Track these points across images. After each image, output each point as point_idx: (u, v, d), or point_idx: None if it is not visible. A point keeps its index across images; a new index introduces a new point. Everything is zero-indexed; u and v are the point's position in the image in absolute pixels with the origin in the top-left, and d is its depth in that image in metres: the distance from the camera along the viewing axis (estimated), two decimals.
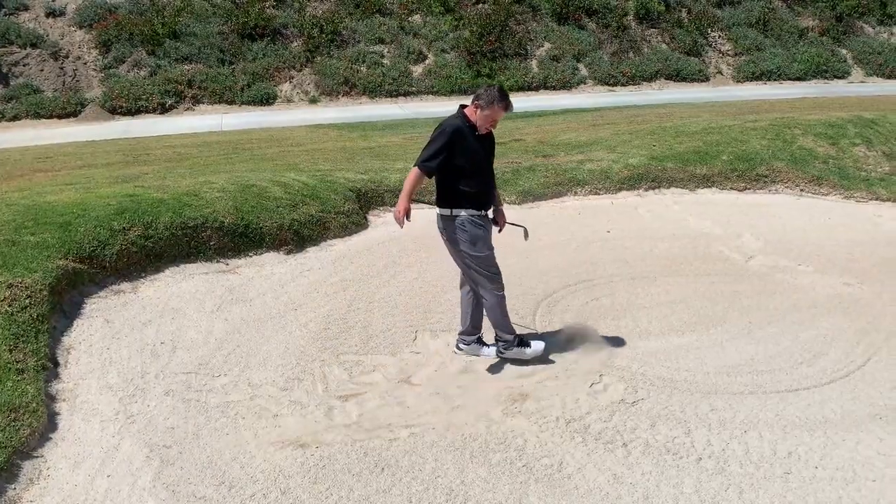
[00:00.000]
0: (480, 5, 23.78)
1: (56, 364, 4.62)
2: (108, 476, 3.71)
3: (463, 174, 4.48)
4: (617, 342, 5.20)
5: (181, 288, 5.82)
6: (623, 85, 22.89)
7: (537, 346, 4.83)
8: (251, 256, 6.48)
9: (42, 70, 19.56)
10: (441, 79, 21.57)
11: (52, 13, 20.73)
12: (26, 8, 20.65)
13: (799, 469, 3.85)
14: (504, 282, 4.73)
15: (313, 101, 20.67)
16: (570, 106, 18.82)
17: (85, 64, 20.21)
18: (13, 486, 3.59)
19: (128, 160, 11.17)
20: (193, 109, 19.71)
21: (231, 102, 20.04)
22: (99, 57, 20.31)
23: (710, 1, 26.06)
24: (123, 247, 5.82)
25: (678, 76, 23.56)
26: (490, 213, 4.76)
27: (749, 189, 8.90)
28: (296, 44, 21.84)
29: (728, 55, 24.89)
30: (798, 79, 24.02)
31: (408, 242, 6.85)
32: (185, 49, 20.58)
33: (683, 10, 25.53)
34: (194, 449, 3.95)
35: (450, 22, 23.14)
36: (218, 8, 21.85)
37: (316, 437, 4.07)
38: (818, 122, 10.28)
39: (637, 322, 5.53)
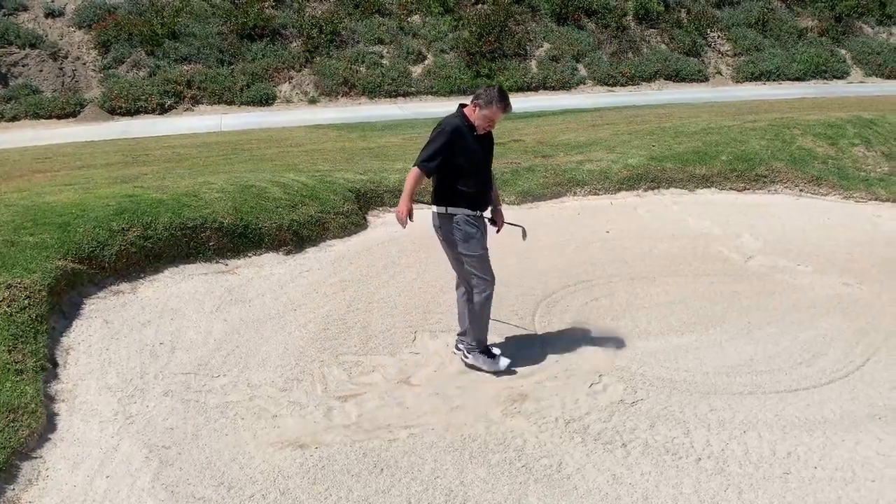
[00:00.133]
0: (480, 6, 23.79)
1: (55, 365, 4.62)
2: (107, 477, 3.71)
3: (461, 174, 4.47)
4: (616, 342, 5.20)
5: (180, 288, 5.81)
6: (622, 85, 22.91)
7: (503, 362, 4.75)
8: (250, 257, 6.47)
9: (41, 70, 19.55)
10: (440, 79, 21.58)
11: (51, 13, 20.73)
12: (25, 8, 20.65)
13: (798, 469, 3.85)
14: (494, 288, 4.68)
15: (312, 101, 20.68)
16: (569, 106, 18.83)
17: (84, 64, 20.21)
18: (12, 486, 3.59)
19: (127, 161, 11.17)
20: (193, 110, 19.71)
21: (230, 103, 20.04)
22: (98, 57, 20.32)
23: (709, 1, 26.09)
24: (122, 247, 5.82)
25: (677, 76, 23.58)
26: (488, 214, 4.76)
27: (748, 189, 8.90)
28: (295, 44, 21.84)
29: (727, 55, 24.91)
30: (797, 79, 24.05)
31: (407, 243, 6.85)
32: (185, 49, 20.59)
33: (683, 10, 25.55)
34: (193, 449, 3.94)
35: (449, 22, 23.14)
36: (217, 8, 21.85)
37: (315, 437, 4.07)
38: (817, 123, 10.28)
39: (636, 322, 5.53)
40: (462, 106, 4.58)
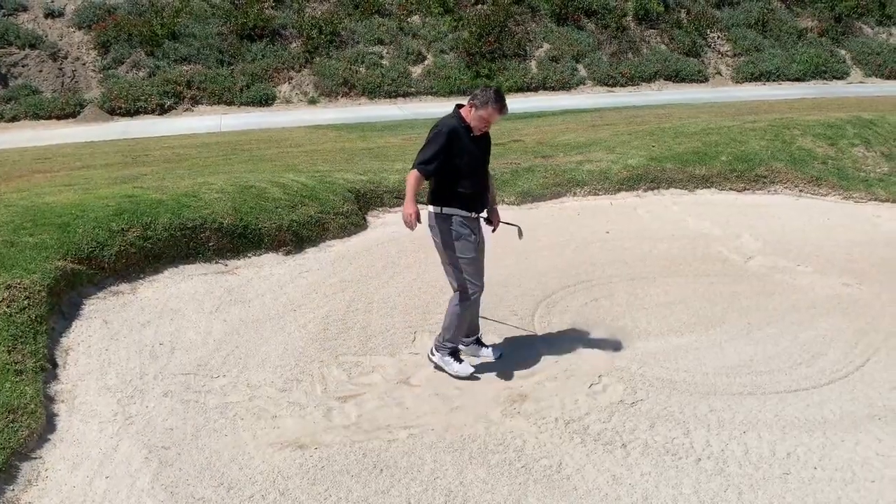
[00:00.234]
0: (479, 6, 23.79)
1: (54, 365, 4.62)
2: (107, 477, 3.71)
3: (458, 175, 4.45)
4: (616, 343, 5.20)
5: (180, 289, 5.81)
6: (622, 86, 22.90)
7: (465, 368, 4.69)
8: (250, 257, 6.47)
9: (41, 71, 19.55)
10: (440, 79, 21.57)
11: (50, 14, 20.73)
12: (25, 9, 20.65)
13: (798, 470, 3.85)
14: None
15: (312, 101, 20.68)
16: (569, 107, 18.83)
17: (84, 65, 20.20)
18: (11, 487, 3.59)
19: (127, 161, 11.17)
20: (192, 110, 19.71)
21: (230, 103, 20.04)
22: (98, 58, 20.31)
23: (709, 2, 26.09)
24: (122, 248, 5.82)
25: (677, 77, 23.58)
26: (483, 215, 4.74)
27: (748, 189, 8.90)
28: (295, 45, 21.84)
29: (727, 56, 24.91)
30: (797, 79, 24.04)
31: (407, 243, 6.85)
32: (184, 50, 20.58)
33: (682, 10, 25.55)
34: (193, 450, 3.94)
35: (449, 23, 23.14)
36: (217, 9, 21.84)
37: (315, 438, 4.07)
38: (817, 123, 10.28)
39: (636, 323, 5.53)
40: (459, 106, 4.57)
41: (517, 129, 13.12)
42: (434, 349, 4.79)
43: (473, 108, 4.44)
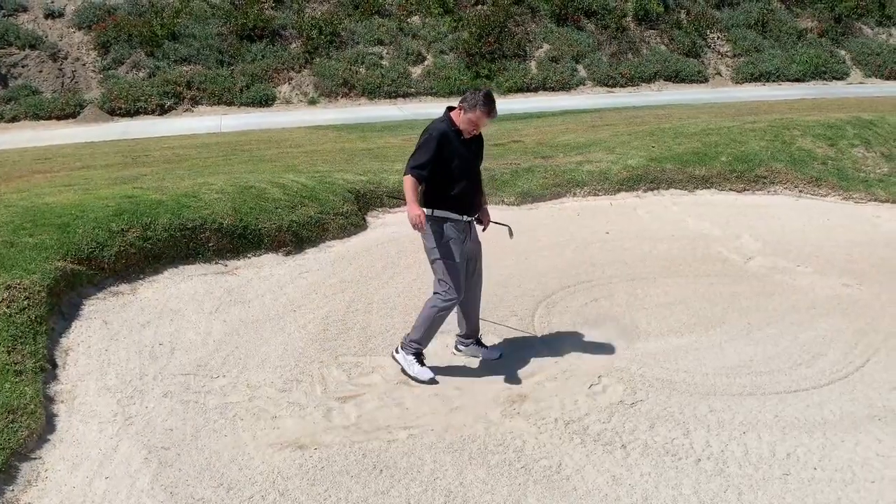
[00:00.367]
0: (479, 6, 23.79)
1: (54, 365, 4.62)
2: (107, 478, 3.71)
3: (449, 178, 4.42)
4: (616, 343, 5.20)
5: (180, 289, 5.81)
6: (622, 86, 22.89)
7: (426, 372, 4.64)
8: (250, 258, 6.47)
9: (41, 71, 19.55)
10: (440, 80, 21.57)
11: (50, 14, 20.73)
12: (25, 9, 20.65)
13: (798, 470, 3.85)
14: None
15: (312, 102, 20.67)
16: (568, 107, 18.82)
17: (84, 65, 20.20)
18: (11, 487, 3.59)
19: (126, 161, 11.17)
20: (192, 111, 19.70)
21: (230, 104, 20.04)
22: (98, 58, 20.31)
23: (708, 2, 26.08)
24: (122, 248, 5.82)
25: (677, 77, 23.57)
26: (474, 218, 4.69)
27: (748, 190, 8.91)
28: (295, 45, 21.84)
29: (727, 56, 24.91)
30: (797, 80, 24.03)
31: (406, 244, 6.84)
32: (184, 50, 20.58)
33: (682, 11, 25.55)
34: (193, 450, 3.94)
35: (449, 23, 23.15)
36: (217, 9, 21.84)
37: (314, 438, 4.07)
38: (817, 124, 10.28)
39: (636, 323, 5.53)
40: (450, 109, 4.53)
41: (517, 130, 13.12)
42: (399, 347, 4.75)
43: (463, 111, 4.41)
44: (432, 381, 4.61)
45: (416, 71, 22.01)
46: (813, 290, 6.18)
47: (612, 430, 4.17)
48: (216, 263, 6.29)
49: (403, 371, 4.69)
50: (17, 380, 4.20)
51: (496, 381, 4.68)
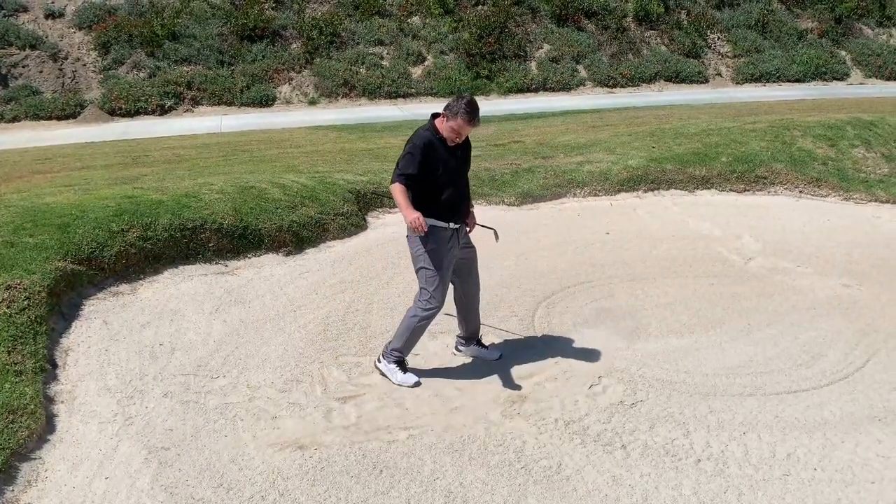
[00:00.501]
0: (480, 7, 23.78)
1: (54, 366, 4.62)
2: (107, 478, 3.71)
3: (435, 186, 4.36)
4: (616, 344, 5.20)
5: (180, 289, 5.81)
6: (622, 87, 22.88)
7: (410, 377, 4.62)
8: (250, 258, 6.47)
9: (41, 71, 19.55)
10: (440, 80, 21.57)
11: (51, 15, 20.72)
12: (25, 9, 20.65)
13: (798, 471, 3.85)
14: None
15: (312, 102, 20.67)
16: (569, 107, 18.80)
17: (84, 65, 20.20)
18: (11, 487, 3.59)
19: (127, 162, 11.17)
20: (192, 111, 19.70)
21: (230, 104, 20.03)
22: (98, 58, 20.31)
23: (709, 3, 26.07)
24: (122, 248, 5.82)
25: (677, 78, 23.56)
26: (459, 225, 4.61)
27: (748, 190, 8.90)
28: (295, 45, 21.84)
29: (727, 57, 24.90)
30: (797, 80, 24.02)
31: (406, 244, 6.84)
32: (185, 50, 20.58)
33: (682, 11, 25.53)
34: (193, 451, 3.94)
35: (449, 23, 23.15)
36: (217, 9, 21.84)
37: (314, 438, 4.07)
38: (817, 124, 10.28)
39: (636, 324, 5.53)
40: (435, 115, 4.46)
41: (517, 130, 13.12)
42: (381, 356, 4.72)
43: (446, 119, 4.34)
44: (417, 385, 4.59)
45: (417, 71, 22.01)
46: (813, 291, 6.18)
47: (612, 431, 4.17)
48: (216, 264, 6.29)
49: (385, 377, 4.65)
50: (17, 380, 4.20)
51: (496, 382, 4.68)
